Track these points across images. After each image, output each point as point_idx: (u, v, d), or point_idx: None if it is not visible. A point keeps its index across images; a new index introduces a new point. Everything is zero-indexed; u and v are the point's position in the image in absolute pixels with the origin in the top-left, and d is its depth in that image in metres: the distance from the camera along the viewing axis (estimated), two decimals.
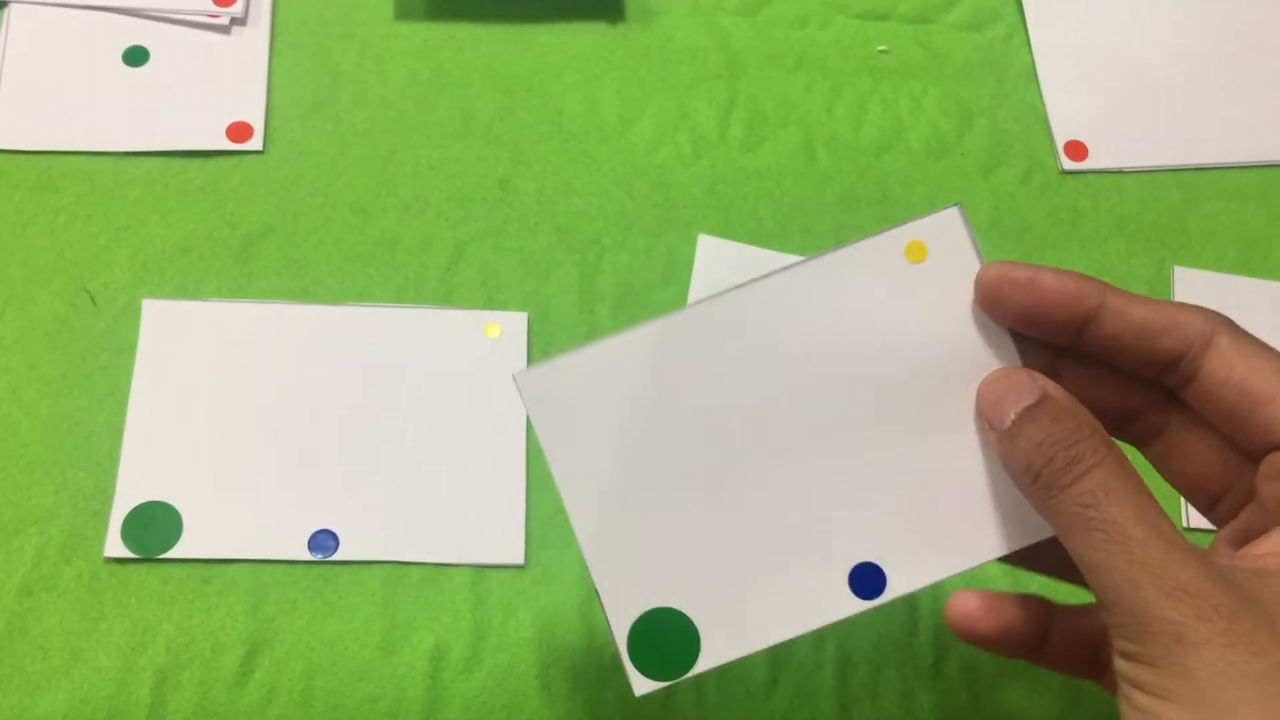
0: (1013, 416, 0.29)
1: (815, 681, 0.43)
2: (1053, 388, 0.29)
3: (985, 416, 0.30)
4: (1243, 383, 0.27)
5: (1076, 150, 0.54)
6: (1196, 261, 0.52)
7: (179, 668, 0.42)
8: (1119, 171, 0.54)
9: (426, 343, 0.47)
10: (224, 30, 0.53)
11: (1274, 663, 0.24)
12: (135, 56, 0.52)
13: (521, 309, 0.48)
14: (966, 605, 0.32)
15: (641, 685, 0.30)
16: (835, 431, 0.31)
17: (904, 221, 0.31)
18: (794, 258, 0.50)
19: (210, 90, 0.51)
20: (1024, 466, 0.28)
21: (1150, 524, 0.26)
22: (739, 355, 0.31)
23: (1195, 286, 0.51)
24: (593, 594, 0.44)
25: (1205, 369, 0.28)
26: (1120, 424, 0.31)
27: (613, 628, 0.30)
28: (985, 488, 0.31)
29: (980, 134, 0.54)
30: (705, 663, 0.30)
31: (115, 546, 0.43)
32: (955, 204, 0.31)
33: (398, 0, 0.54)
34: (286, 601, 0.43)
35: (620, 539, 0.31)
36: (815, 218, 0.51)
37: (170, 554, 0.43)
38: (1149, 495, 0.27)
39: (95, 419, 0.45)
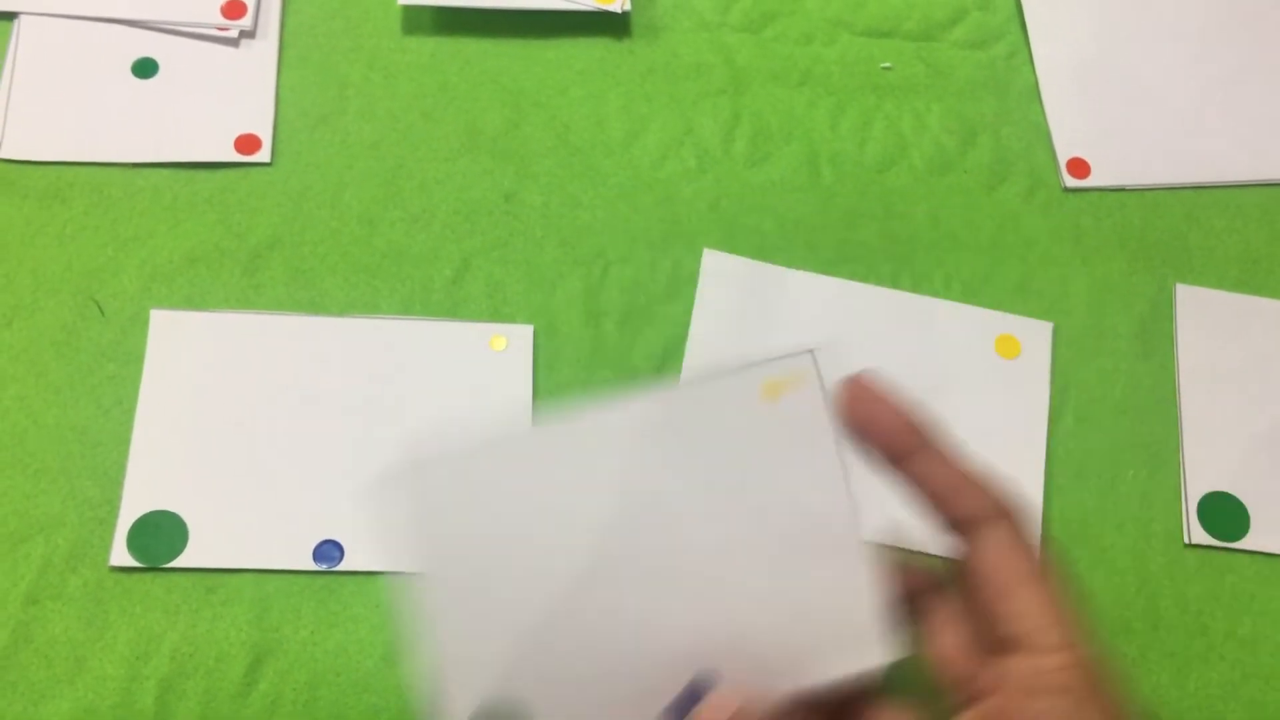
0: None
1: None
2: (750, 700, 0.30)
3: None
4: (998, 570, 0.29)
5: (1079, 168, 0.54)
6: (1198, 279, 0.53)
7: (183, 677, 0.42)
8: (1121, 189, 0.54)
9: (432, 355, 0.47)
10: (233, 43, 0.53)
11: None
12: (145, 68, 0.52)
13: (527, 322, 0.48)
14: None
15: None
16: (682, 554, 0.32)
17: (762, 361, 0.32)
18: (795, 272, 0.50)
19: (219, 102, 0.52)
20: None
21: None
22: (601, 473, 0.32)
23: (1197, 304, 0.52)
24: None
25: (977, 543, 0.30)
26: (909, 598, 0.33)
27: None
28: (819, 614, 0.32)
29: (983, 151, 0.55)
30: None
31: (121, 555, 0.43)
32: (810, 349, 0.32)
33: (405, 14, 0.55)
34: (291, 611, 0.43)
35: (469, 635, 0.31)
36: (819, 233, 0.52)
37: (175, 563, 0.43)
38: None
39: (102, 428, 0.45)
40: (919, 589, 0.33)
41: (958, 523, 0.30)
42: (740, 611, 0.32)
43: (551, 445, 0.32)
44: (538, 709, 0.31)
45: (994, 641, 0.30)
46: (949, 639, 0.32)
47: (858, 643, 0.32)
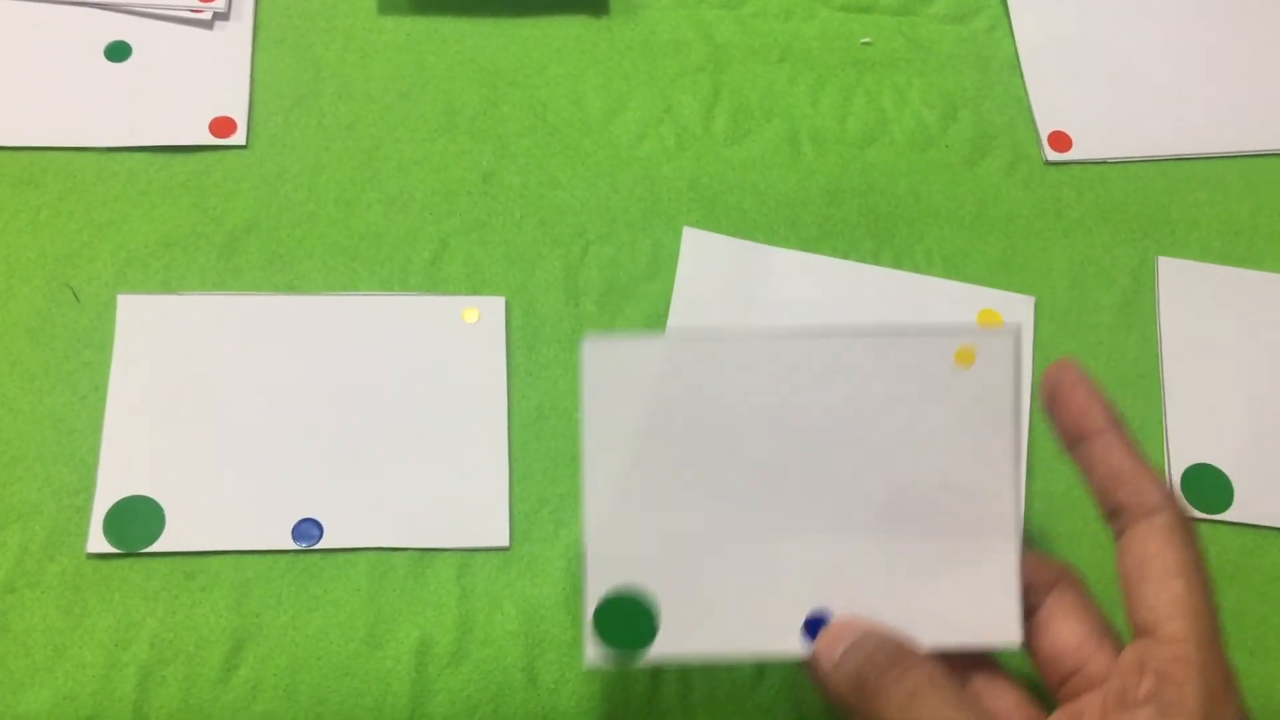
0: (841, 651, 0.32)
1: (801, 674, 0.43)
2: (876, 627, 0.33)
3: (819, 661, 0.33)
4: (1146, 560, 0.31)
5: (1060, 141, 0.54)
6: (1180, 251, 0.52)
7: (163, 664, 0.42)
8: (1103, 162, 0.54)
9: (405, 329, 0.47)
10: (207, 25, 0.53)
11: None
12: (117, 52, 0.52)
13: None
14: None
15: (594, 656, 0.33)
16: (836, 489, 0.33)
17: (957, 327, 0.35)
18: (777, 250, 0.50)
19: (193, 85, 0.51)
20: (852, 679, 0.31)
21: (972, 710, 0.29)
22: (776, 393, 0.33)
23: (1179, 276, 0.51)
24: (579, 589, 0.44)
25: (1132, 531, 0.32)
26: None
27: (587, 594, 0.33)
28: (952, 585, 0.33)
29: (964, 126, 0.54)
30: (656, 651, 0.33)
31: (98, 542, 0.43)
32: (1016, 329, 0.34)
33: None
34: (271, 596, 0.43)
35: (620, 518, 0.33)
36: (800, 210, 0.51)
37: (153, 548, 0.43)
38: (967, 695, 0.30)
39: (78, 415, 0.45)
40: (1035, 582, 0.34)
41: (1124, 508, 0.32)
42: (882, 559, 0.33)
43: (735, 357, 0.33)
44: (665, 606, 0.33)
45: (1132, 628, 0.31)
46: (1062, 632, 0.33)
47: (994, 619, 0.33)
